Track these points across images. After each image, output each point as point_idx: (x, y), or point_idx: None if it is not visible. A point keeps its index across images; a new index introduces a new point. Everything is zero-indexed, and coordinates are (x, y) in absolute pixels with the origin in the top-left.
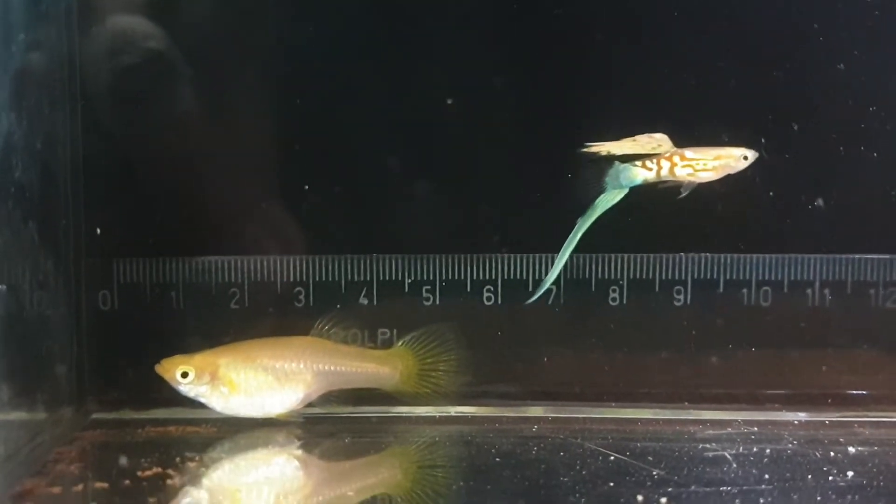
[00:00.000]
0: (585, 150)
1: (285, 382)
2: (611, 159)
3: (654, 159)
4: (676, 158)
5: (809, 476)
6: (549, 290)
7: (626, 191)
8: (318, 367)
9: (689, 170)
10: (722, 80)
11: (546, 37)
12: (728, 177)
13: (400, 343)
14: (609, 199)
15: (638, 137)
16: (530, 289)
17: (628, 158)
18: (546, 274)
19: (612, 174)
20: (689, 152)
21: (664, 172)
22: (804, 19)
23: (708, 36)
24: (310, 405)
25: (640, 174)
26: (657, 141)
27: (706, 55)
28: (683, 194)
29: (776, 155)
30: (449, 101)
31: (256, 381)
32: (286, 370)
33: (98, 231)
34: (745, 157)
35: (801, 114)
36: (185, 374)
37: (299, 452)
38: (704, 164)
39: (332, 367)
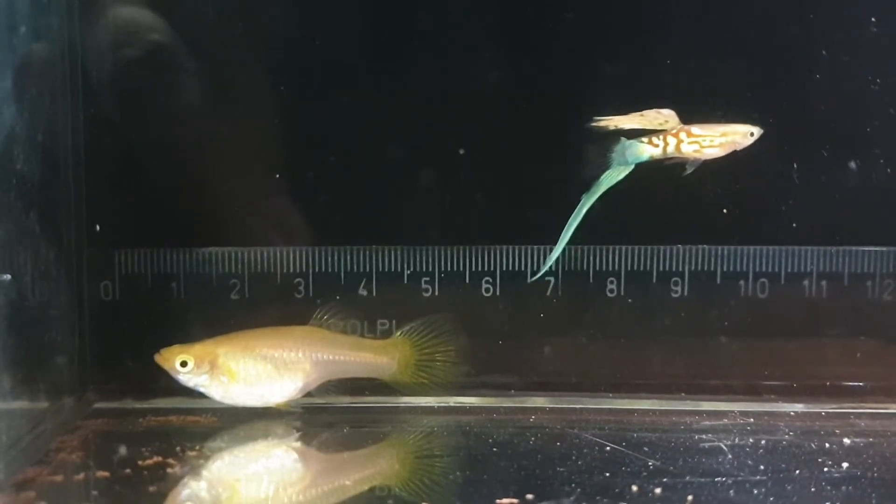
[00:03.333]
0: (594, 124)
1: (284, 372)
2: (616, 136)
3: (660, 136)
4: (683, 135)
5: (805, 467)
6: (547, 281)
7: (631, 167)
8: (316, 357)
9: (696, 146)
10: (722, 68)
11: (545, 27)
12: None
13: (398, 333)
14: (614, 175)
15: (645, 112)
16: (529, 280)
17: (634, 135)
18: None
19: (618, 150)
20: (695, 129)
21: (670, 149)
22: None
23: (707, 26)
24: (308, 395)
25: (647, 150)
26: (664, 117)
27: (704, 46)
28: (689, 171)
29: (775, 147)
30: (448, 93)
31: (255, 371)
32: (285, 359)
33: (99, 222)
34: (752, 134)
35: (800, 106)
36: (184, 364)
37: (298, 443)
38: (711, 141)
39: (331, 357)
